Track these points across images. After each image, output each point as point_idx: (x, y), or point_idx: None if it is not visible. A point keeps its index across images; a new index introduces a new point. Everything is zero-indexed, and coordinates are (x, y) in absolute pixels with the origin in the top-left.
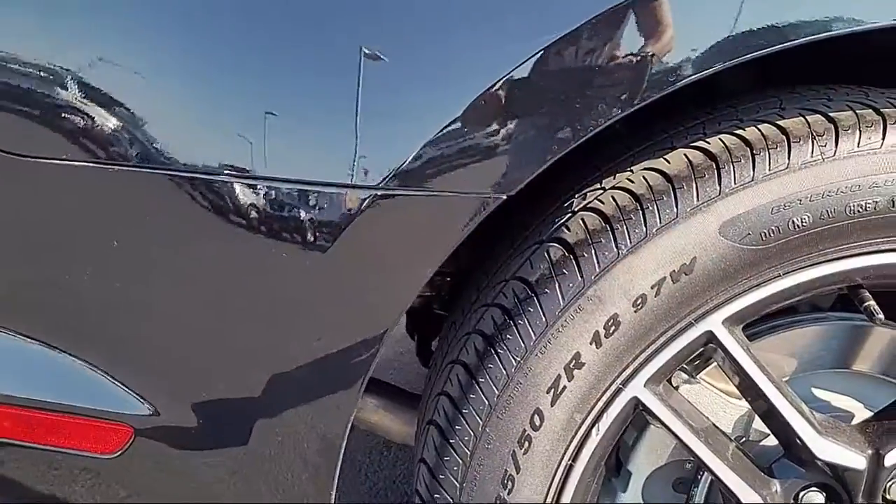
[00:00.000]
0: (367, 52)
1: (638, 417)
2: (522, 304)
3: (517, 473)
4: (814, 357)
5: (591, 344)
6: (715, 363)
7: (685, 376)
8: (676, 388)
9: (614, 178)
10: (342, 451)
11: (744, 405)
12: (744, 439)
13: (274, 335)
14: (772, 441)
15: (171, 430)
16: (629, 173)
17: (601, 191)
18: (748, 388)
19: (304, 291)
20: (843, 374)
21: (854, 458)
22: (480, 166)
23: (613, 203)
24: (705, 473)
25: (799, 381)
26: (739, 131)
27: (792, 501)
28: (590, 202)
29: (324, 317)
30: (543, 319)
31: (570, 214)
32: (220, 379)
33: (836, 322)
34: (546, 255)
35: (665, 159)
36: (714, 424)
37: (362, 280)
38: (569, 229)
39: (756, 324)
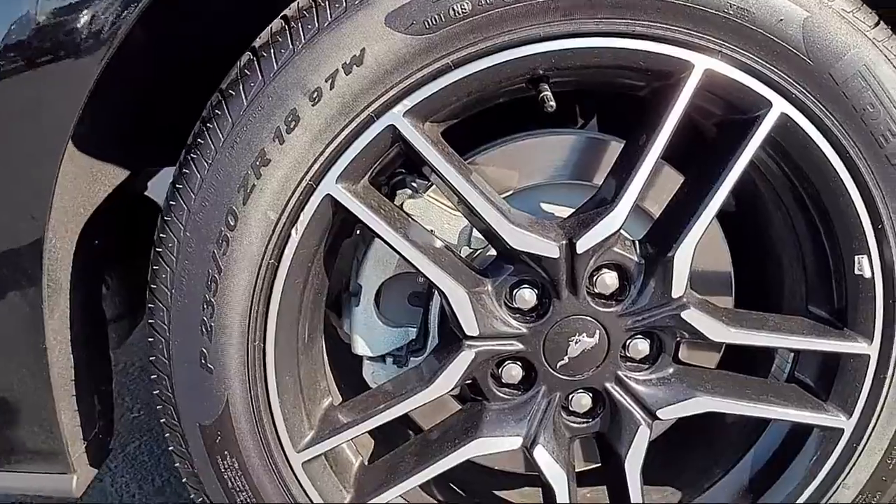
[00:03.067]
0: None
1: (365, 232)
2: (214, 110)
3: (219, 274)
4: (537, 170)
5: (274, 140)
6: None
7: (410, 192)
8: (401, 205)
9: None
10: None
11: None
12: (477, 253)
13: None
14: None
15: None
16: None
17: (295, 2)
18: (443, 185)
19: None
20: (566, 185)
21: (547, 247)
22: None
23: (296, 7)
24: None
25: (525, 194)
26: None
27: (507, 302)
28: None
29: None
30: (229, 120)
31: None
32: None
33: (554, 135)
34: (238, 62)
35: None
36: (427, 229)
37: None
38: (262, 38)
39: (485, 140)
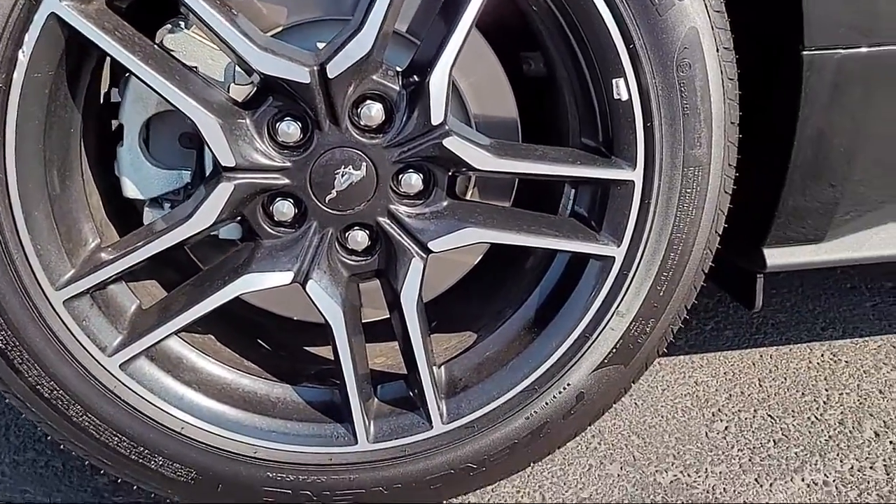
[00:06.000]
0: None
1: (121, 72)
2: None
3: None
4: (311, 5)
5: None
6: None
7: (170, 27)
8: (161, 41)
9: None
10: None
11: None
12: (250, 92)
13: None
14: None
15: None
16: None
17: None
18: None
19: None
20: (345, 21)
21: (297, 71)
22: None
23: None
24: None
25: (299, 31)
26: None
27: (272, 135)
28: None
29: None
30: None
31: None
32: None
33: None
34: None
35: None
36: (189, 66)
37: None
38: None
39: None
